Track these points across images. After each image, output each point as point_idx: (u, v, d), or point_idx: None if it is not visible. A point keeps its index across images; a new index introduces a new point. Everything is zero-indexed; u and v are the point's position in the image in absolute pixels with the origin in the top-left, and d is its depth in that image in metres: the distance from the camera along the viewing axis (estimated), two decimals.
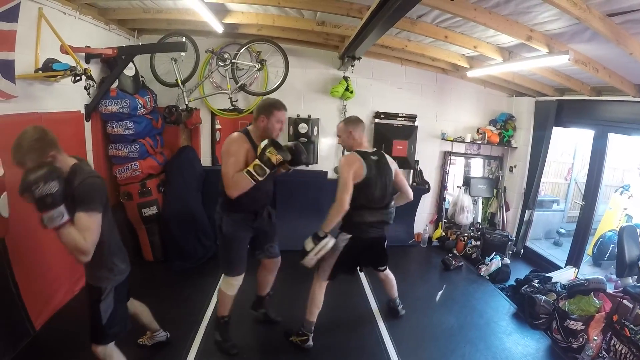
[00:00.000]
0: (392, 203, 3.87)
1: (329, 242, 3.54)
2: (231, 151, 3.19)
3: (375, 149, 3.82)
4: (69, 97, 4.36)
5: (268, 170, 3.13)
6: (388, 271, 4.29)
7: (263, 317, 4.23)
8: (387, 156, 3.84)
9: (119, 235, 2.84)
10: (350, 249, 3.71)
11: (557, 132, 6.16)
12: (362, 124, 3.82)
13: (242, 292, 3.66)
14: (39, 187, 2.12)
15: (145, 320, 3.47)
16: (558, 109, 5.88)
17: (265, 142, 3.16)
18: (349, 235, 3.69)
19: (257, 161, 3.11)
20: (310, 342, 3.86)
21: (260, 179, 3.12)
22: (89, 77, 4.06)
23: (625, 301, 3.82)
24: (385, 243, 4.05)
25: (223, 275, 3.59)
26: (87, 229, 2.31)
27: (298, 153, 3.42)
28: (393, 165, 3.82)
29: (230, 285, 3.56)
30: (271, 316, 4.24)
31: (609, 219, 6.58)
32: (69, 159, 2.49)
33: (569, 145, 8.43)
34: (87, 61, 4.51)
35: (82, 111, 4.67)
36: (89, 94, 4.34)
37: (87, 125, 4.78)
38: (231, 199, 3.22)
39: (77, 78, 3.89)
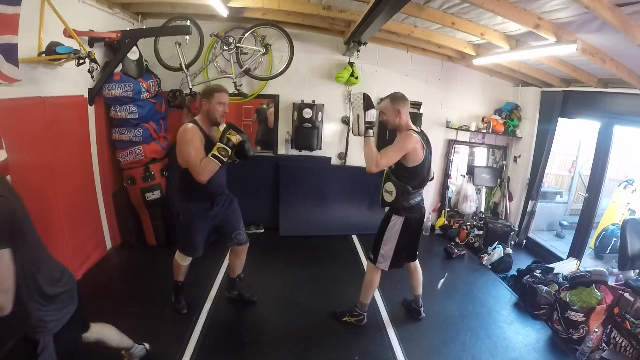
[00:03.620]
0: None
1: (370, 115, 3.48)
2: (188, 140, 3.32)
3: (419, 128, 3.68)
4: (72, 81, 4.35)
5: (230, 151, 3.30)
6: (417, 261, 4.15)
7: (238, 297, 4.35)
8: None
9: (52, 262, 2.21)
10: (404, 231, 3.70)
11: (562, 123, 6.10)
12: (408, 102, 3.64)
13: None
14: None
15: (113, 343, 2.92)
16: (564, 100, 5.83)
17: (224, 125, 3.43)
18: (402, 218, 3.66)
19: (219, 144, 3.29)
20: (365, 320, 4.09)
21: (225, 160, 3.30)
22: (93, 60, 4.03)
23: (626, 294, 3.81)
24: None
25: (178, 251, 3.85)
26: None
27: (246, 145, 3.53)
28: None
29: (183, 259, 3.87)
30: (245, 296, 4.36)
31: (612, 213, 6.56)
32: None
33: (574, 137, 8.36)
34: (91, 45, 4.47)
35: (86, 95, 4.66)
36: (92, 77, 4.31)
37: (91, 110, 4.77)
38: (187, 189, 3.56)
39: (81, 61, 3.87)
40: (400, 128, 3.60)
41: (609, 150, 5.26)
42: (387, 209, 3.82)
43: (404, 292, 4.53)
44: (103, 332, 2.84)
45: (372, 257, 3.86)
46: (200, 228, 3.72)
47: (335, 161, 6.82)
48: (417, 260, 4.11)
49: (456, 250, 6.04)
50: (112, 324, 3.60)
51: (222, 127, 3.43)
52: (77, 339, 2.44)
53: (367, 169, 3.38)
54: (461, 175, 7.11)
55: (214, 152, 3.28)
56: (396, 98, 3.58)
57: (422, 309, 4.29)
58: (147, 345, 3.31)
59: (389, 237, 3.73)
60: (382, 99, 3.82)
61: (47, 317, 2.09)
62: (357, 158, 6.85)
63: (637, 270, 4.07)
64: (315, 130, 6.37)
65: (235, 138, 3.32)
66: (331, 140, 6.74)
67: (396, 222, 3.68)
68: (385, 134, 6.45)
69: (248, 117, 9.12)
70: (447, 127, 6.81)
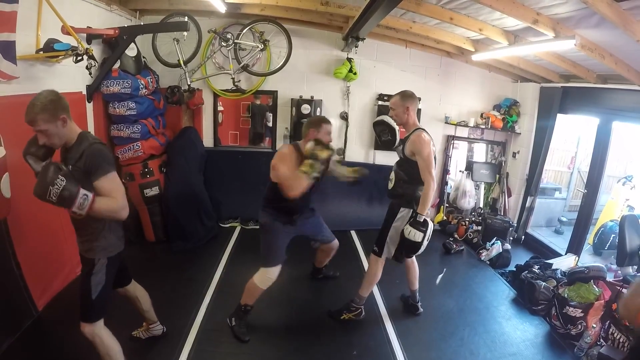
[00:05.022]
0: None
1: (431, 224, 3.54)
2: (283, 158, 3.47)
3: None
4: (70, 78, 4.34)
5: (319, 166, 3.31)
6: (414, 257, 4.12)
7: (324, 278, 4.86)
8: None
9: None
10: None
11: (561, 119, 6.08)
12: (417, 101, 3.77)
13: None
14: (50, 193, 2.12)
15: (144, 307, 3.36)
16: (563, 96, 5.81)
17: (311, 142, 3.36)
18: (411, 210, 3.62)
19: (307, 160, 3.28)
20: (363, 313, 4.10)
21: (314, 174, 3.28)
22: (91, 57, 4.02)
23: (624, 290, 3.82)
24: None
25: (261, 268, 3.67)
26: (113, 190, 2.41)
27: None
28: None
29: (265, 280, 3.66)
30: (331, 274, 4.92)
31: (611, 209, 6.57)
32: (76, 127, 2.52)
33: (573, 133, 8.36)
34: (89, 42, 4.45)
35: (84, 92, 4.65)
36: (90, 73, 4.32)
37: (89, 106, 4.77)
38: (275, 204, 3.62)
39: (79, 58, 3.86)
40: (408, 125, 3.73)
41: (608, 147, 5.25)
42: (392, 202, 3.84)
43: (403, 287, 4.53)
44: (142, 294, 3.34)
45: (377, 249, 3.87)
46: (284, 233, 3.73)
47: (334, 157, 6.80)
48: (413, 256, 4.10)
49: (455, 246, 6.06)
50: (111, 320, 3.62)
51: (310, 143, 3.38)
52: (119, 275, 2.94)
53: (433, 190, 3.47)
54: (460, 171, 7.11)
55: (302, 168, 3.29)
56: (406, 95, 3.67)
57: (419, 304, 4.30)
58: (164, 328, 3.59)
59: (396, 228, 3.71)
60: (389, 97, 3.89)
61: (111, 240, 2.70)
62: (355, 153, 6.88)
63: (635, 267, 4.09)
64: None
65: (323, 153, 3.33)
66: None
67: (405, 215, 3.67)
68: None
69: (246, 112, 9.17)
70: (446, 122, 6.81)
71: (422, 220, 3.43)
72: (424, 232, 3.45)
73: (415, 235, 3.43)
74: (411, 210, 3.62)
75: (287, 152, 3.54)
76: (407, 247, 3.57)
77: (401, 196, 3.71)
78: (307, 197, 3.73)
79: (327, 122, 3.65)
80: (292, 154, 3.51)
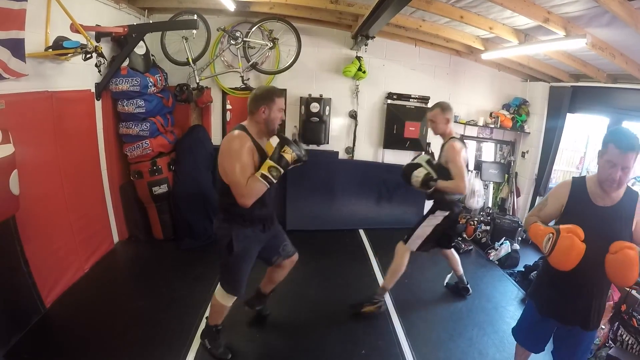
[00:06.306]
0: None
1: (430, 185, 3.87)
2: (234, 153, 2.78)
3: (458, 134, 4.06)
4: (79, 76, 4.36)
5: (282, 171, 2.79)
6: (452, 249, 4.57)
7: (257, 313, 3.95)
8: None
9: None
10: (444, 224, 4.05)
11: (570, 119, 6.05)
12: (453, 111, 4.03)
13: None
14: None
15: None
16: (573, 95, 5.77)
17: (277, 140, 2.84)
18: (447, 213, 4.02)
19: (271, 162, 2.75)
20: (384, 306, 4.22)
21: (275, 181, 2.78)
22: (100, 55, 4.03)
23: (633, 292, 3.77)
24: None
25: (221, 288, 3.24)
26: None
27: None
28: None
29: (229, 299, 3.24)
30: (265, 312, 3.99)
31: None
32: None
33: (582, 133, 8.28)
34: (98, 40, 4.46)
35: (93, 90, 4.67)
36: (99, 71, 4.33)
37: (98, 104, 4.79)
38: (238, 212, 2.95)
39: (88, 56, 3.87)
40: (445, 135, 3.97)
41: None
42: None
43: (412, 287, 4.62)
44: None
45: (406, 237, 4.15)
46: (253, 256, 3.19)
47: (342, 155, 6.81)
48: (452, 248, 4.56)
49: (463, 246, 6.02)
50: (119, 317, 3.64)
51: (274, 140, 2.85)
52: None
53: (459, 190, 3.85)
54: (468, 170, 7.04)
55: (264, 171, 2.73)
56: (445, 108, 3.94)
57: (468, 285, 4.70)
58: None
59: (425, 225, 4.08)
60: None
61: None
62: (364, 152, 6.86)
63: None
64: (323, 125, 6.34)
65: (290, 156, 2.80)
66: (338, 134, 6.73)
67: (438, 216, 4.05)
68: (393, 129, 6.47)
69: None
70: (455, 122, 6.73)
71: (433, 179, 3.84)
72: (419, 180, 3.89)
73: (415, 175, 3.93)
74: (448, 211, 4.02)
75: (237, 146, 2.79)
76: (404, 172, 4.09)
77: (439, 201, 4.07)
78: (271, 201, 3.19)
79: (279, 94, 3.00)
80: (245, 144, 2.81)
